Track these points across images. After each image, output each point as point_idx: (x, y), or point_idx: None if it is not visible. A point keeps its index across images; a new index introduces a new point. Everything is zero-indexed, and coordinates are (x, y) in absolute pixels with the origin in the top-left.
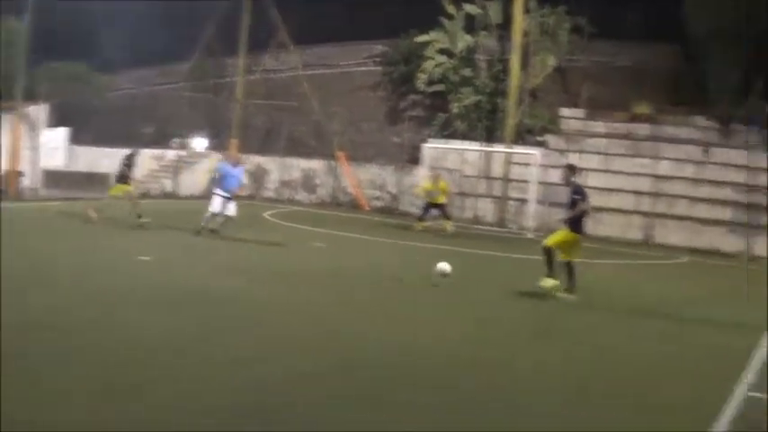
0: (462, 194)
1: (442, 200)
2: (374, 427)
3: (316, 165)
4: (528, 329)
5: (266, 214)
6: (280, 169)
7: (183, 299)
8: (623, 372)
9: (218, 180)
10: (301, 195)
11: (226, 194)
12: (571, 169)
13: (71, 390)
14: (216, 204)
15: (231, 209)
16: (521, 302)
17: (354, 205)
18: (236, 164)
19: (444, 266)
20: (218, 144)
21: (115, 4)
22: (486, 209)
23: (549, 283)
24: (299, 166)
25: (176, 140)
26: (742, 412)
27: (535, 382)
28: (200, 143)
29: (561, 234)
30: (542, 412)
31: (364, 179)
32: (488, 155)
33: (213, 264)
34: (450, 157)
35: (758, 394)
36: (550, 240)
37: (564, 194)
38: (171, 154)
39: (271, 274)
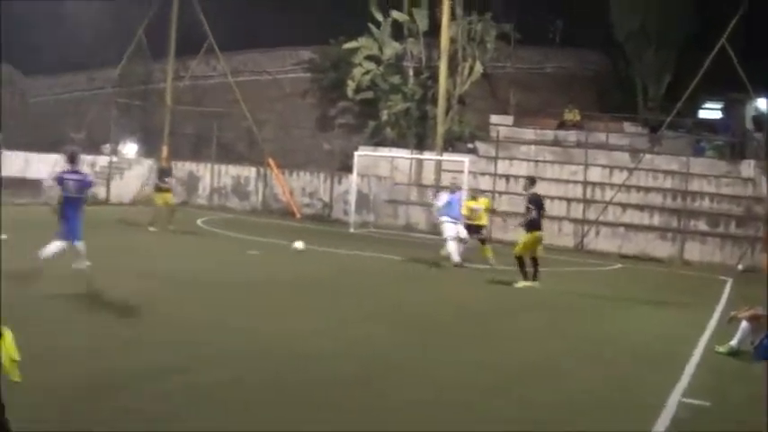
0: (394, 202)
1: (483, 221)
2: None
3: (247, 171)
4: (476, 329)
5: (199, 221)
6: (211, 176)
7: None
8: (560, 372)
9: (445, 208)
10: (233, 202)
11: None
12: (530, 181)
13: None
14: (452, 231)
15: (462, 232)
16: (455, 304)
17: (286, 212)
18: (454, 191)
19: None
20: (148, 150)
21: (43, 6)
22: (419, 216)
23: (521, 284)
24: (229, 172)
25: (108, 146)
26: (676, 418)
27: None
28: (130, 149)
29: (523, 239)
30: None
31: (296, 186)
32: (419, 162)
33: (149, 271)
34: (381, 165)
35: (692, 400)
36: (517, 249)
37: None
38: (103, 160)
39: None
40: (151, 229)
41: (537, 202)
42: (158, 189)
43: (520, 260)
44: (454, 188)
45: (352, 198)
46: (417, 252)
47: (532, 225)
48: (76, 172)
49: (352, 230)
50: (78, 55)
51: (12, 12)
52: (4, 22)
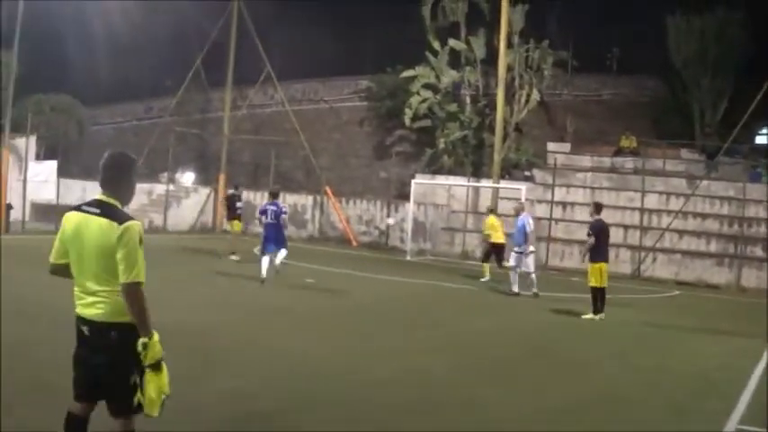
0: (451, 230)
1: (501, 238)
2: None
3: (304, 200)
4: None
5: (256, 249)
6: None
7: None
8: (618, 400)
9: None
10: (290, 230)
11: (519, 249)
12: (596, 207)
13: None
14: (515, 260)
15: (529, 264)
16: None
17: (342, 240)
18: (518, 214)
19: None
20: (205, 179)
21: (101, 37)
22: (475, 244)
23: (589, 316)
24: (286, 201)
25: (165, 174)
26: None
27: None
28: (188, 178)
29: (592, 270)
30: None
31: (352, 214)
32: (476, 190)
33: (209, 299)
34: (438, 193)
35: (749, 427)
36: (592, 281)
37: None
38: (160, 188)
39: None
40: (233, 258)
41: (596, 228)
42: (232, 217)
43: (593, 291)
44: (518, 211)
45: (409, 226)
46: (474, 280)
47: (594, 255)
48: (275, 204)
49: (408, 258)
50: (137, 84)
51: (70, 42)
52: (64, 54)
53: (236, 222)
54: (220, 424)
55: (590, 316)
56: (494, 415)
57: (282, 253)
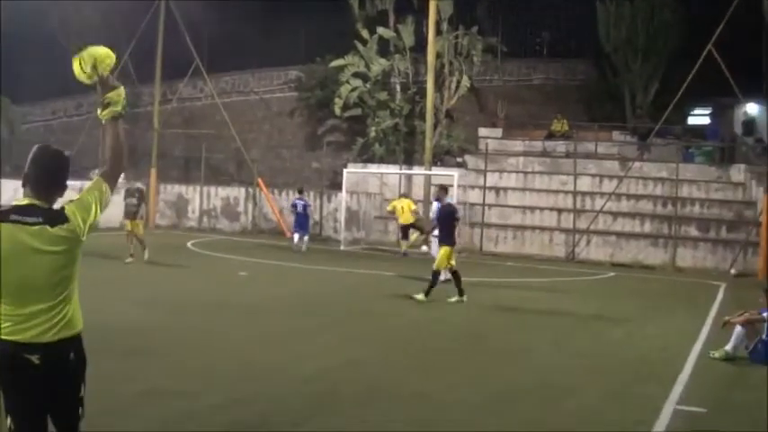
0: (384, 218)
1: (404, 220)
2: None
3: (236, 192)
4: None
5: (189, 244)
6: (200, 198)
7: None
8: (554, 387)
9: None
10: (223, 224)
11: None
12: (442, 189)
13: None
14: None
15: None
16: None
17: (276, 232)
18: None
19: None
20: (136, 174)
21: (30, 34)
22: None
23: (419, 296)
24: (219, 194)
25: (96, 171)
26: (672, 426)
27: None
28: None
29: (441, 253)
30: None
31: (285, 206)
32: (409, 177)
33: (132, 298)
34: (370, 181)
35: (688, 407)
36: (435, 264)
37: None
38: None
39: (195, 304)
40: (127, 261)
41: (451, 213)
42: (126, 215)
43: (435, 274)
44: (441, 197)
45: (342, 215)
46: (408, 267)
47: (445, 238)
48: (302, 199)
49: (342, 248)
50: (66, 81)
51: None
52: None
53: (128, 222)
54: (152, 424)
55: (421, 297)
56: (434, 406)
57: (305, 239)
